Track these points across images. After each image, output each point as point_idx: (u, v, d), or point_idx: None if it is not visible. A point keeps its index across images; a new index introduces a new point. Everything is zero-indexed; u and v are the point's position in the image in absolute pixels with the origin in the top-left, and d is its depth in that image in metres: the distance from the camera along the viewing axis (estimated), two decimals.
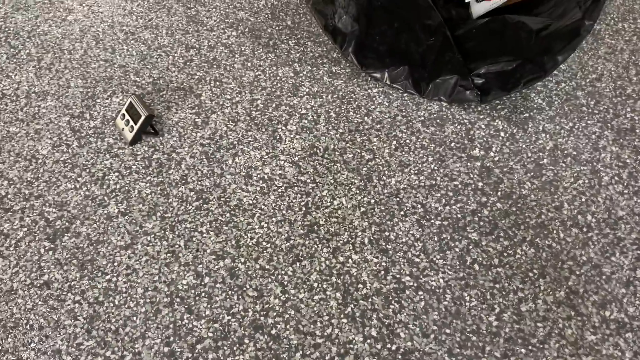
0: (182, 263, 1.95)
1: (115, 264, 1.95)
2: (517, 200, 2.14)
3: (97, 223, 2.06)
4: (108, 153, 2.29)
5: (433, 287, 1.90)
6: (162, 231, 2.04)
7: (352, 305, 1.84)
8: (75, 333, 1.78)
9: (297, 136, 2.35)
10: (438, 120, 2.42)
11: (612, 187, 2.18)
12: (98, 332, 1.78)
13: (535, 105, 2.48)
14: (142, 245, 2.00)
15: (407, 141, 2.33)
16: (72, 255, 1.97)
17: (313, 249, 1.98)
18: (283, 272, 1.92)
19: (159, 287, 1.89)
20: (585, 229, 2.05)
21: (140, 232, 2.04)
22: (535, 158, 2.28)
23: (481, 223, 2.07)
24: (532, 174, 2.23)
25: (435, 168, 2.24)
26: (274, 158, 2.27)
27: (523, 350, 1.75)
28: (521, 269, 1.94)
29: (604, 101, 2.51)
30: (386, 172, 2.21)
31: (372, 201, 2.12)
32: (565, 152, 2.30)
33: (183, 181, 2.19)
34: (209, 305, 1.84)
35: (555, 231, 2.04)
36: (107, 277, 1.92)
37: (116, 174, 2.22)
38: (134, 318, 1.82)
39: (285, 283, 1.89)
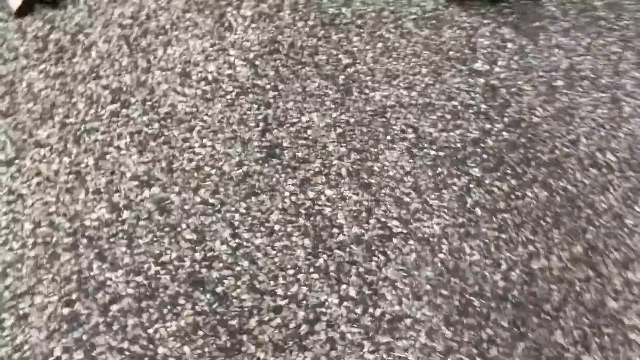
0: (92, 190, 1.40)
1: None
2: (527, 129, 1.73)
3: None
4: None
5: (426, 236, 1.49)
6: (62, 143, 1.46)
7: (324, 256, 1.40)
8: None
9: (253, 25, 1.77)
10: (434, 22, 1.91)
11: (635, 121, 1.81)
12: None
13: (547, 14, 2.03)
14: (32, 162, 1.42)
15: (396, 44, 1.82)
16: None
17: (274, 179, 1.50)
18: (233, 209, 1.43)
19: (56, 223, 1.34)
20: (604, 170, 1.69)
21: (29, 142, 1.44)
22: (548, 78, 1.86)
23: (484, 156, 1.65)
24: (544, 97, 1.81)
25: (430, 82, 1.77)
26: (221, 52, 1.69)
27: (535, 319, 1.40)
28: (531, 216, 1.57)
29: (624, 15, 2.10)
30: (369, 84, 1.72)
31: (352, 120, 1.64)
32: (582, 73, 1.90)
33: (93, 75, 1.58)
34: (128, 251, 1.33)
35: (570, 170, 1.67)
36: None
37: None
38: (19, 265, 1.28)
39: (236, 224, 1.41)
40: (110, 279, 1.31)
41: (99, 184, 1.43)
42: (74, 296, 1.27)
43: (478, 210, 1.55)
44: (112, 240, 1.36)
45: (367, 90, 1.72)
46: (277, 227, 1.44)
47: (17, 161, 1.43)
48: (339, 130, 1.63)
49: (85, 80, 1.58)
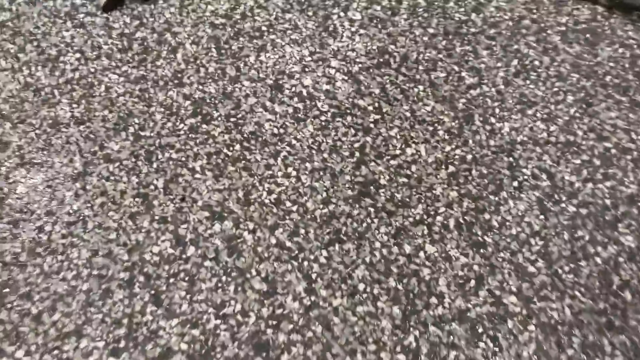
0: (157, 217, 1.23)
1: (54, 205, 1.24)
2: None
3: (36, 128, 1.33)
4: (70, 19, 1.49)
5: (553, 322, 1.15)
6: (133, 159, 1.30)
7: (416, 333, 1.12)
8: None
9: (362, 31, 1.49)
10: (588, 35, 1.51)
11: None
12: (11, 315, 1.13)
13: None
14: (99, 179, 1.28)
15: (536, 63, 1.46)
16: None
17: (364, 224, 1.24)
18: (312, 258, 1.20)
19: (114, 253, 1.19)
20: None
21: (99, 156, 1.31)
22: None
23: None
24: None
25: (577, 115, 1.39)
26: (320, 63, 1.44)
27: None
28: None
29: None
30: (497, 111, 1.38)
31: (469, 157, 1.32)
32: None
33: (176, 81, 1.40)
34: (187, 296, 1.15)
35: None
36: (39, 222, 1.23)
37: (77, 55, 1.44)
38: (69, 299, 1.14)
39: (314, 277, 1.18)
40: (164, 329, 1.13)
41: (166, 211, 1.26)
42: (121, 344, 1.11)
43: (628, 295, 1.19)
44: (171, 281, 1.18)
45: (492, 120, 1.39)
46: (361, 287, 1.18)
47: (84, 177, 1.30)
48: (451, 168, 1.32)
49: (167, 87, 1.41)
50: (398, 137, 1.37)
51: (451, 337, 1.13)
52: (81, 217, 1.25)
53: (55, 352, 1.11)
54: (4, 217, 1.25)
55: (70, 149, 1.34)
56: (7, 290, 1.17)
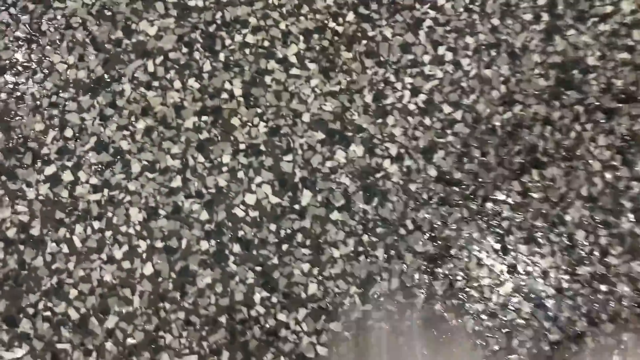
0: (244, 144, 0.76)
1: None
2: None
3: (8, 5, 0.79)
4: None
5: None
6: (184, 47, 0.79)
7: None
8: None
9: None
10: None
11: None
12: (37, 325, 0.70)
13: None
14: (133, 87, 0.78)
15: None
16: None
17: (572, 133, 0.78)
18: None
19: (185, 209, 0.74)
20: None
21: (126, 46, 0.79)
22: None
23: None
24: None
25: None
26: None
27: None
28: None
29: None
30: None
31: None
32: None
33: None
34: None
35: None
36: (50, 168, 0.75)
37: None
38: (127, 292, 0.71)
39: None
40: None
41: (256, 134, 0.77)
42: (224, 357, 0.70)
43: None
44: (293, 250, 0.74)
45: None
46: (580, 236, 0.76)
47: (108, 85, 0.78)
48: None
49: None
50: None
51: None
52: (118, 155, 0.77)
53: None
54: None
55: (76, 37, 0.80)
56: (23, 286, 0.73)
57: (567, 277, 0.77)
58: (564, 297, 0.77)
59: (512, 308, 0.76)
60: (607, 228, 0.79)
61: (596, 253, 0.78)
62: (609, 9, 0.86)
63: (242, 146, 0.79)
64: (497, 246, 0.78)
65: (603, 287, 0.77)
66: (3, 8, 0.81)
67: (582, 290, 0.77)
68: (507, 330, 0.76)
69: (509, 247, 0.78)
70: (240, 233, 0.76)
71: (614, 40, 0.85)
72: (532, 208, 0.79)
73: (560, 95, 0.83)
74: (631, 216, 0.79)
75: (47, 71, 0.80)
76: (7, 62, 0.80)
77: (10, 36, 0.81)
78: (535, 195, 0.80)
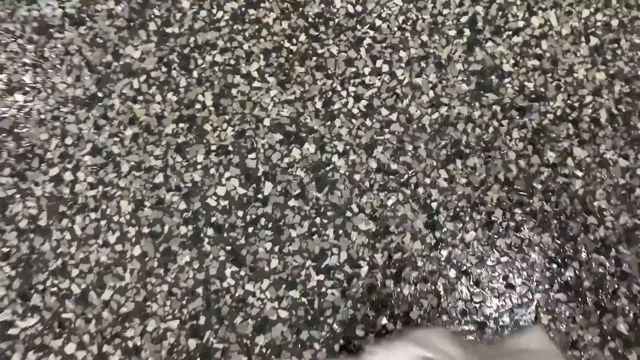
0: (214, 145, 0.92)
1: None
2: None
3: (16, 37, 0.95)
4: None
5: None
6: (163, 67, 0.95)
7: (574, 266, 0.88)
8: None
9: None
10: None
11: None
12: (46, 299, 0.85)
13: None
14: (122, 101, 0.93)
15: None
16: None
17: (490, 129, 0.93)
18: (428, 181, 0.91)
19: (166, 201, 0.90)
20: None
21: (115, 68, 0.95)
22: None
23: None
24: None
25: None
26: None
27: None
28: None
29: None
30: None
31: (615, 23, 0.99)
32: None
33: None
34: (275, 248, 0.87)
35: None
36: (54, 170, 0.90)
37: None
38: (119, 270, 0.86)
39: (434, 206, 0.89)
40: (253, 294, 0.86)
41: (224, 137, 0.93)
42: (201, 320, 0.85)
43: None
44: (250, 230, 0.89)
45: None
46: (498, 214, 0.91)
47: (101, 100, 0.94)
48: (594, 41, 0.99)
49: None
50: (518, 2, 1.01)
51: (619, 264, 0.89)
52: (110, 158, 0.92)
53: (117, 340, 0.85)
54: (3, 169, 0.91)
55: (73, 61, 0.96)
56: (34, 267, 0.88)
57: (487, 247, 0.92)
58: (485, 265, 0.92)
59: (441, 274, 0.91)
60: (521, 207, 0.94)
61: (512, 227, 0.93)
62: (520, 23, 1.02)
63: (213, 147, 0.95)
64: (429, 222, 0.93)
65: (518, 256, 0.92)
66: (12, 39, 0.97)
67: (501, 258, 0.92)
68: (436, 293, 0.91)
69: (438, 223, 0.93)
70: (213, 219, 0.92)
71: (525, 49, 1.01)
72: (457, 191, 0.95)
73: (480, 97, 0.99)
74: (541, 196, 0.95)
75: (49, 90, 0.96)
76: (17, 84, 0.97)
77: (18, 62, 0.97)
78: (460, 181, 0.95)
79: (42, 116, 0.94)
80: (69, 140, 0.94)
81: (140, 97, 0.96)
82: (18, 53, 0.98)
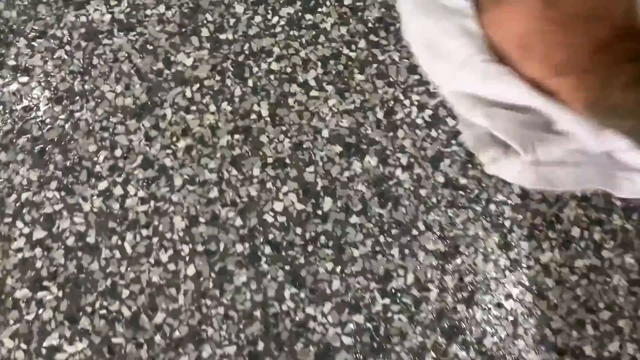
0: (271, 158, 0.87)
1: None
2: None
3: (64, 43, 0.90)
4: None
5: None
6: (217, 76, 0.90)
7: None
8: None
9: None
10: None
11: None
12: (95, 322, 0.79)
13: None
14: (174, 111, 0.88)
15: None
16: None
17: None
18: (498, 198, 0.85)
19: (221, 217, 0.84)
20: None
21: (167, 76, 0.90)
22: None
23: None
24: None
25: None
26: None
27: None
28: None
29: None
30: None
31: None
32: None
33: None
34: (336, 269, 0.81)
35: None
36: (103, 183, 0.85)
37: None
38: (172, 291, 0.81)
39: (507, 224, 0.83)
40: (314, 318, 0.80)
41: (281, 149, 0.88)
42: (259, 346, 0.79)
43: None
44: (310, 249, 0.83)
45: None
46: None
47: (152, 110, 0.89)
48: None
49: None
50: None
51: None
52: (162, 171, 0.87)
53: None
54: (50, 183, 0.87)
55: (123, 69, 0.92)
56: (82, 287, 0.83)
57: (565, 270, 0.86)
58: (564, 288, 0.85)
59: (516, 299, 0.85)
60: (599, 225, 0.88)
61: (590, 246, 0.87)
62: None
63: (269, 160, 0.90)
64: (501, 243, 0.87)
65: (599, 279, 0.85)
66: (60, 47, 0.93)
67: (579, 280, 0.85)
68: (512, 318, 0.84)
69: (511, 243, 0.87)
70: (271, 236, 0.86)
71: None
72: (531, 208, 0.88)
73: None
74: (621, 213, 0.88)
75: (98, 99, 0.92)
76: (64, 92, 0.92)
77: (66, 70, 0.93)
78: (534, 197, 0.89)
79: (90, 127, 0.90)
80: (118, 152, 0.89)
81: (194, 107, 0.91)
82: (65, 61, 0.93)
